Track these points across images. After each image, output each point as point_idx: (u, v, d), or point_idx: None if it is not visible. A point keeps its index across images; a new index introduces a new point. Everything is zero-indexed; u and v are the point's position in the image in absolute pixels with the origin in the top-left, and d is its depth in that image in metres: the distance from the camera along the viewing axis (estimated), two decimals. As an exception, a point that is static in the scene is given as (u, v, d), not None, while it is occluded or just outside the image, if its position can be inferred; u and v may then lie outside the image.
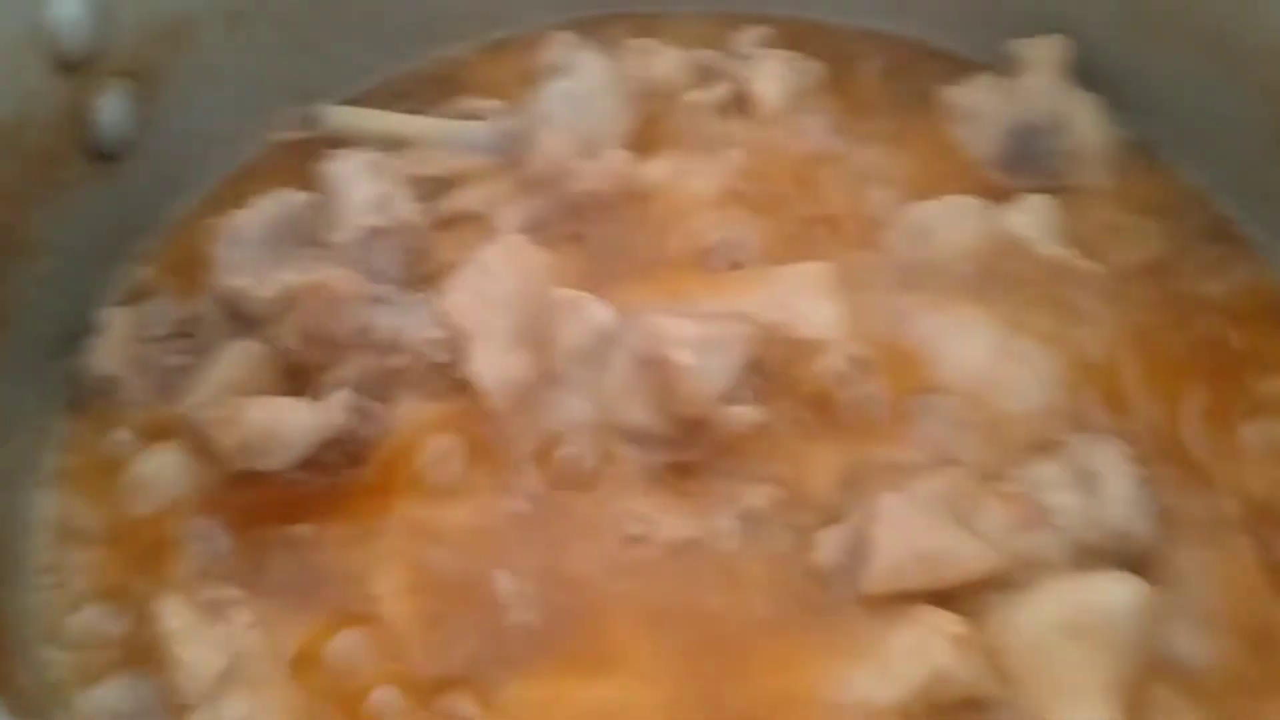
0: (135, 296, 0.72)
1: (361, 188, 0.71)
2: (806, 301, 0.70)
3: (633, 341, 0.66)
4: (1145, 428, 0.67)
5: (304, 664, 0.59)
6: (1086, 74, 0.81)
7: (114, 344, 0.68)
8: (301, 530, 0.63)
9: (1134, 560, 0.60)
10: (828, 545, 0.62)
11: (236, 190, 0.79)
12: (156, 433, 0.67)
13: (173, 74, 0.74)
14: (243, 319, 0.68)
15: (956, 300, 0.72)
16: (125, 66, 0.71)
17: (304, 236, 0.70)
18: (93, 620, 0.61)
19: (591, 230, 0.76)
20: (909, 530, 0.60)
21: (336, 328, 0.66)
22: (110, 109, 0.70)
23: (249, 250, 0.67)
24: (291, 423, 0.63)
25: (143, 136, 0.73)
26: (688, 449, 0.66)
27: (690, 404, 0.64)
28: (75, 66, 0.67)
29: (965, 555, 0.60)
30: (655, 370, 0.65)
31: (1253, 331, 0.72)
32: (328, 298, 0.66)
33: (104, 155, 0.70)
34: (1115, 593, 0.59)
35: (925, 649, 0.57)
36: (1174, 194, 0.79)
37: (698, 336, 0.65)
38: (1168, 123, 0.79)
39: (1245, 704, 0.57)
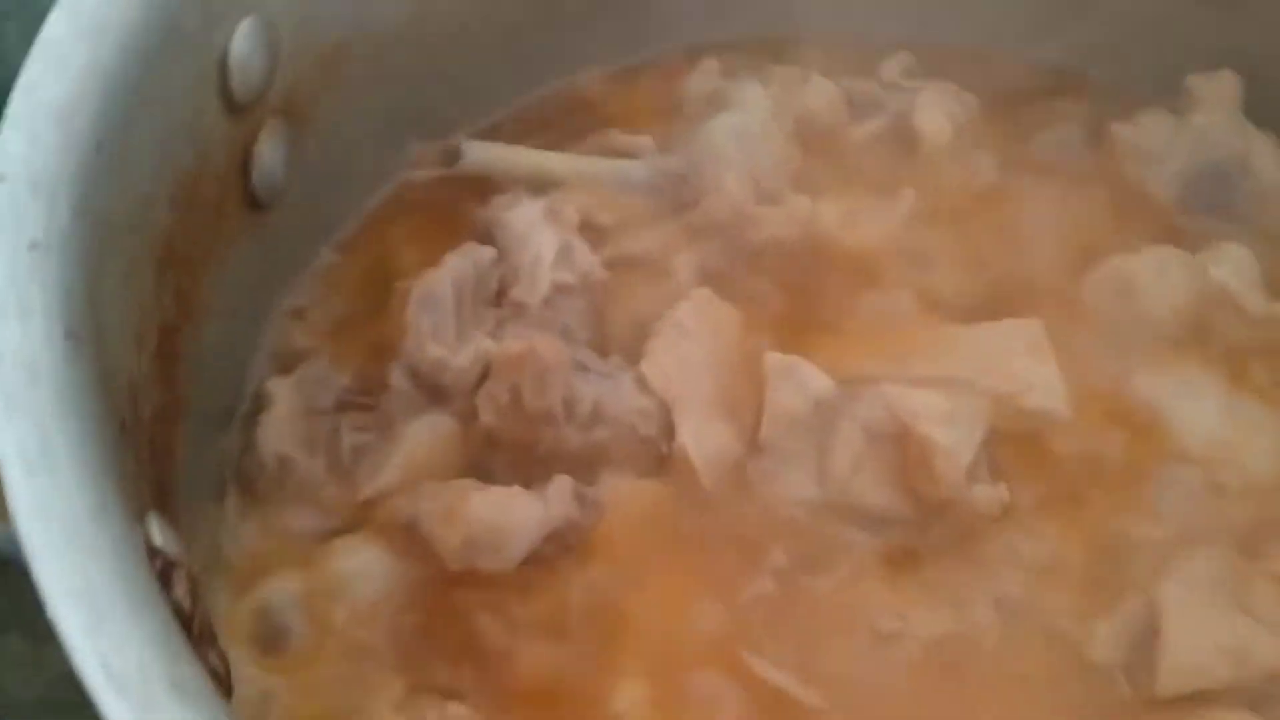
0: (290, 362, 0.64)
1: (546, 237, 0.64)
2: (1025, 364, 0.66)
3: (865, 414, 0.61)
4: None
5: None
6: (1259, 111, 0.78)
7: (283, 418, 0.60)
8: (523, 633, 0.57)
9: None
10: (1106, 641, 0.57)
11: (377, 235, 0.72)
12: (342, 524, 0.59)
13: (319, 109, 0.66)
14: (433, 391, 0.61)
15: (1173, 360, 0.68)
16: (282, 104, 0.63)
17: (488, 296, 0.63)
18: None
19: (773, 283, 0.70)
20: (1199, 622, 0.56)
21: (544, 401, 0.60)
22: (268, 151, 0.62)
23: (442, 315, 0.60)
24: (519, 516, 0.56)
25: (290, 181, 0.65)
26: (925, 532, 0.61)
27: (942, 484, 0.59)
28: (244, 107, 0.58)
29: (1263, 648, 0.56)
30: (893, 446, 0.60)
31: None
32: (535, 368, 0.59)
33: (258, 204, 0.62)
34: None
35: (1240, 760, 0.53)
36: (1360, 240, 0.76)
37: (945, 411, 0.60)
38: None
39: None
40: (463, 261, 0.61)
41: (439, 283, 0.60)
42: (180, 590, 0.42)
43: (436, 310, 0.60)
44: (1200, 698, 0.55)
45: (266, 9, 0.59)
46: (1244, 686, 0.55)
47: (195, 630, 0.42)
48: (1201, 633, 0.56)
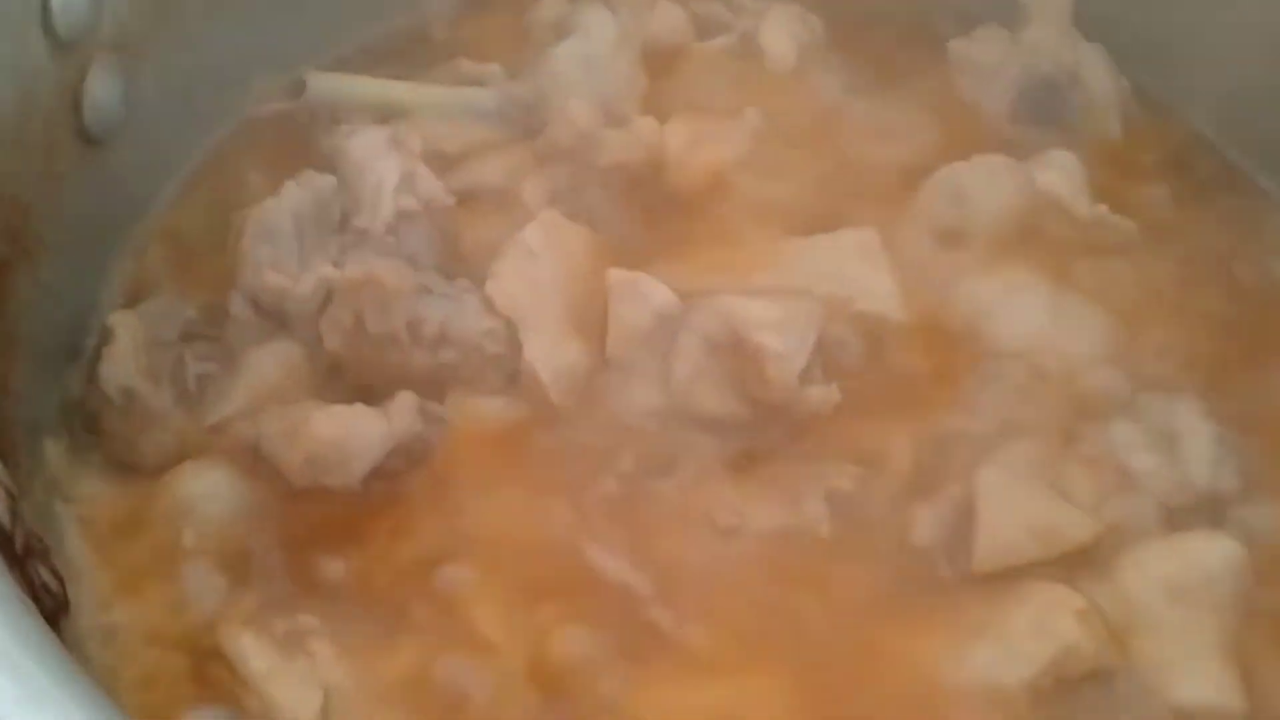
0: (136, 296, 0.65)
1: (388, 165, 0.65)
2: (859, 270, 0.69)
3: (703, 324, 0.63)
4: (1205, 381, 0.67)
5: (403, 693, 0.55)
6: (1090, 23, 0.81)
7: (126, 352, 0.61)
8: (372, 546, 0.59)
9: (1223, 516, 0.61)
10: (926, 524, 0.61)
11: (224, 169, 0.72)
12: (189, 451, 0.60)
13: (154, 45, 0.66)
14: (277, 318, 0.62)
15: (1001, 264, 0.71)
16: (113, 40, 0.63)
17: (331, 224, 0.64)
18: (155, 662, 0.55)
19: (620, 204, 0.72)
20: (1012, 504, 0.60)
21: (386, 324, 0.61)
22: (99, 88, 0.62)
23: (281, 243, 0.61)
24: (361, 433, 0.58)
25: (128, 117, 0.65)
26: (763, 433, 0.63)
27: (775, 388, 0.62)
28: (70, 44, 0.59)
29: (1070, 525, 0.60)
30: (731, 354, 0.62)
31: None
32: (376, 292, 0.61)
33: (93, 139, 0.63)
34: (1212, 552, 0.60)
35: (1050, 625, 0.56)
36: (1183, 144, 0.80)
37: (777, 318, 0.62)
38: (1173, 72, 0.80)
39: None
40: (301, 190, 0.62)
41: (276, 212, 0.61)
42: (-1, 508, 0.43)
43: (274, 239, 0.61)
44: (1014, 573, 0.58)
45: (88, -59, 0.59)
46: (1055, 560, 0.59)
47: (18, 547, 0.43)
48: (1014, 514, 0.59)
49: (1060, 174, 0.74)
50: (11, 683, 0.36)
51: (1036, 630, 0.56)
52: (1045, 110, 0.79)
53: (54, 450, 0.59)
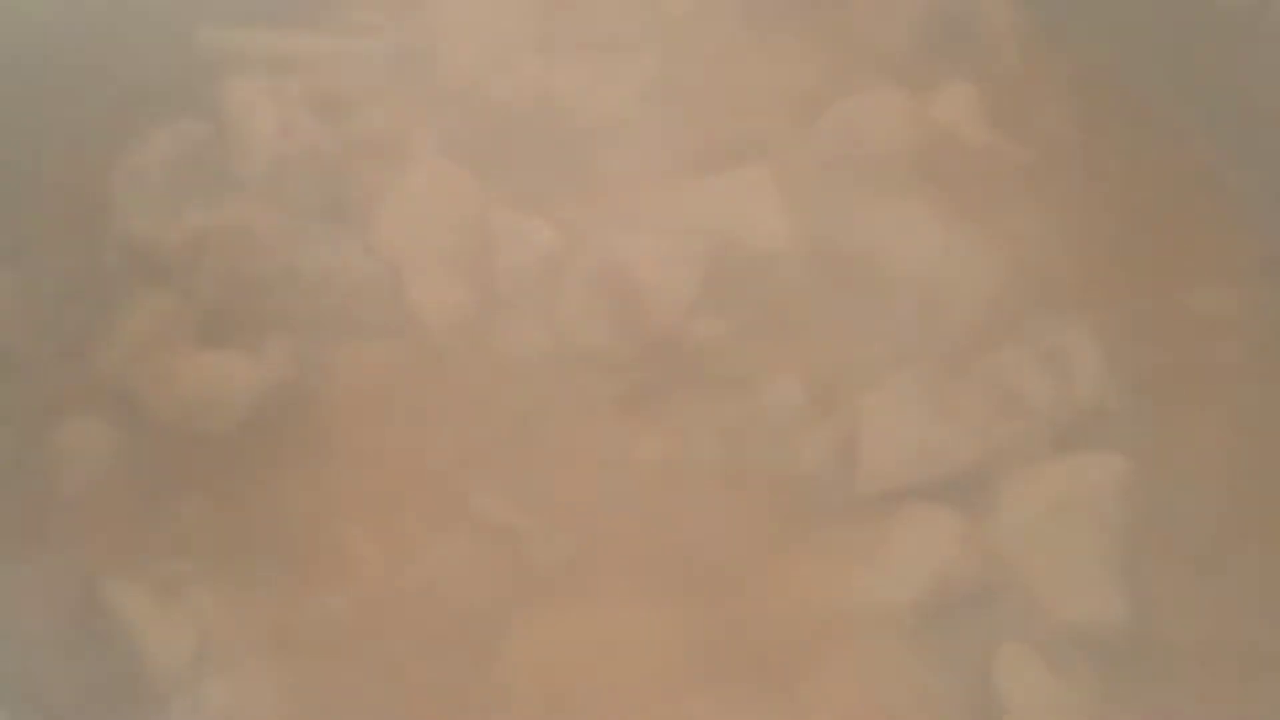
0: (15, 251, 0.64)
1: (265, 115, 0.65)
2: (750, 209, 0.68)
3: (586, 264, 0.63)
4: (1096, 302, 0.67)
5: (280, 637, 0.55)
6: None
7: (3, 308, 0.61)
8: (250, 491, 0.58)
9: (1112, 433, 0.61)
10: (812, 450, 0.60)
11: (113, 125, 0.71)
12: (66, 401, 0.60)
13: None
14: (151, 268, 0.61)
15: (895, 196, 0.71)
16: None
17: (208, 172, 0.64)
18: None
19: (511, 147, 0.71)
20: (895, 428, 0.60)
21: (261, 271, 0.61)
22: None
23: (151, 191, 0.61)
24: (234, 377, 0.57)
25: (6, 69, 0.64)
26: (652, 369, 0.63)
27: (657, 324, 0.61)
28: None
29: (953, 447, 0.60)
30: (614, 292, 0.62)
31: (1176, 204, 0.74)
32: (249, 239, 0.60)
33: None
34: (1097, 469, 0.60)
35: (931, 545, 0.56)
36: (1083, 74, 0.79)
37: (658, 255, 0.62)
38: (1075, 2, 0.80)
39: (1235, 561, 0.59)
40: (170, 137, 0.62)
41: (144, 159, 0.60)
42: None
43: (145, 188, 0.60)
44: (899, 494, 0.58)
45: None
46: (942, 483, 0.59)
47: None
48: (898, 437, 0.59)
49: (956, 105, 0.74)
50: None
51: (917, 550, 0.56)
52: (946, 42, 0.78)
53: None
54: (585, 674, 0.54)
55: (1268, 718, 0.55)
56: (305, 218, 0.64)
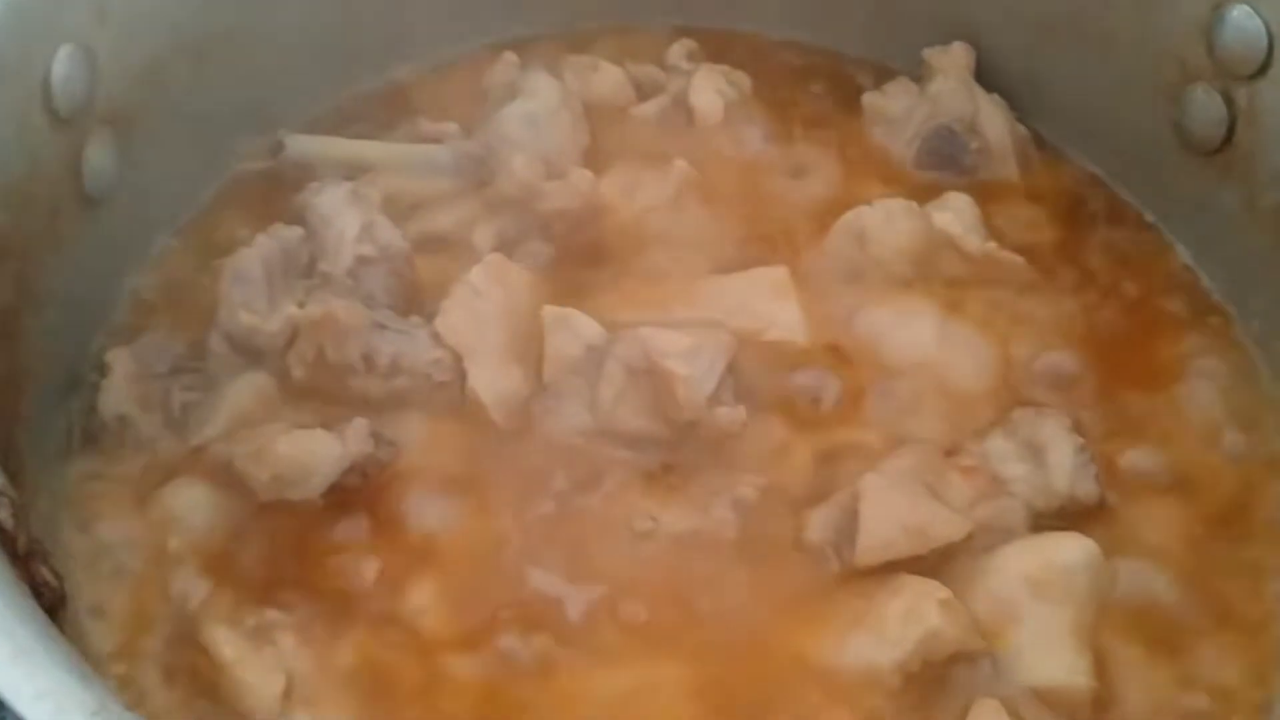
0: (131, 336, 0.74)
1: (349, 217, 0.74)
2: (769, 304, 0.77)
3: (624, 354, 0.72)
4: (1076, 398, 0.76)
5: (353, 679, 0.64)
6: (990, 76, 0.89)
7: (121, 383, 0.70)
8: (330, 552, 0.67)
9: (1084, 518, 0.69)
10: (817, 525, 0.69)
11: (210, 222, 0.82)
12: (175, 469, 0.69)
13: (145, 115, 0.76)
14: (250, 353, 0.71)
15: (898, 294, 0.79)
16: (107, 114, 0.72)
17: (299, 269, 0.73)
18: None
19: (559, 247, 0.81)
20: (891, 506, 0.68)
21: (342, 356, 0.70)
22: (96, 156, 0.72)
23: (252, 287, 0.70)
24: (319, 453, 0.66)
25: (123, 179, 0.75)
26: (679, 449, 0.72)
27: (684, 408, 0.70)
28: (69, 120, 0.68)
29: (941, 524, 0.68)
30: (648, 379, 0.71)
31: (1156, 304, 0.82)
32: (333, 328, 0.70)
33: (92, 201, 0.72)
34: (1069, 551, 0.67)
35: (917, 613, 0.64)
36: (1074, 183, 0.88)
37: (687, 346, 0.71)
38: (1065, 118, 0.89)
39: (1189, 640, 0.67)
40: (270, 240, 0.72)
41: (247, 259, 0.70)
42: (3, 514, 0.52)
43: (247, 283, 0.70)
44: (892, 568, 0.67)
45: (82, 35, 0.68)
46: (930, 557, 0.67)
47: (19, 548, 0.52)
48: (892, 514, 0.67)
49: (955, 214, 0.82)
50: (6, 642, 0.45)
51: (905, 617, 0.64)
52: (946, 156, 0.87)
53: (58, 469, 0.68)
54: None
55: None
56: (381, 309, 0.73)
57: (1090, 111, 0.88)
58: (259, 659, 0.63)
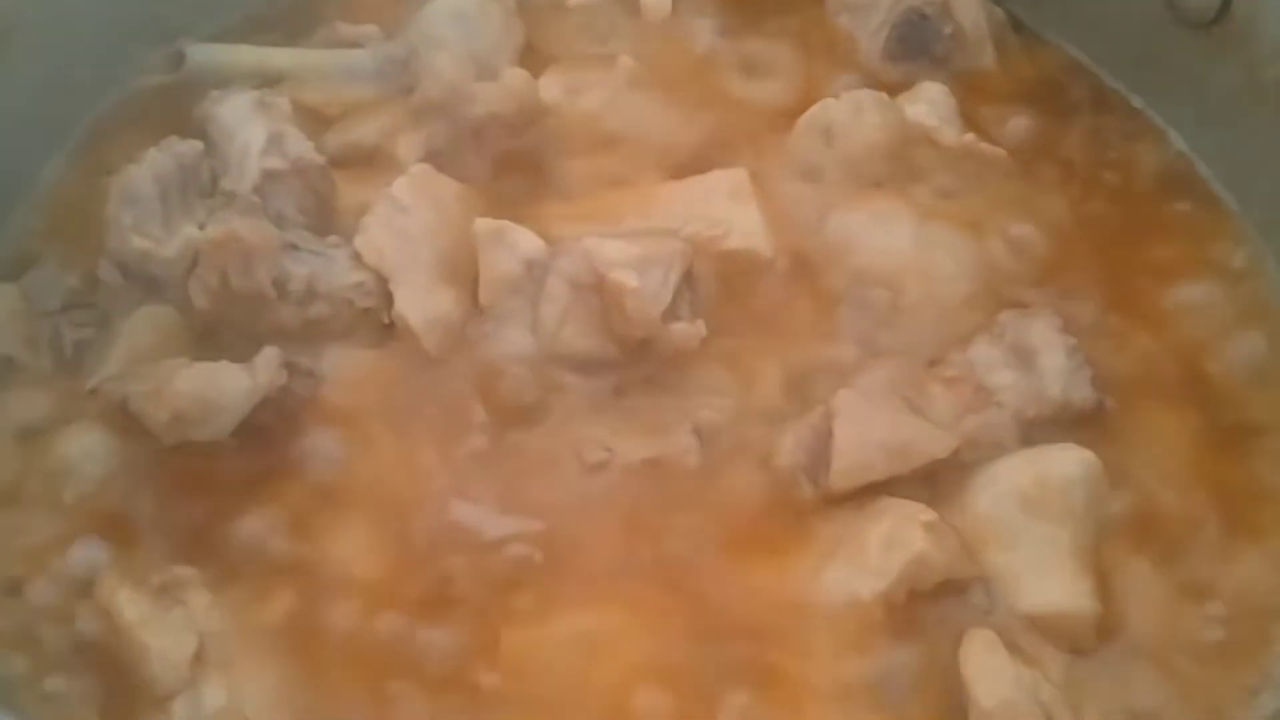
0: (19, 269, 0.67)
1: (253, 129, 0.67)
2: (728, 210, 0.70)
3: (568, 268, 0.65)
4: (1065, 299, 0.69)
5: (276, 637, 0.57)
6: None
7: (5, 322, 0.63)
8: (246, 498, 0.60)
9: (1080, 426, 0.63)
10: (787, 448, 0.62)
11: (106, 143, 0.74)
12: (69, 413, 0.62)
13: (25, 25, 0.68)
14: (146, 282, 0.64)
15: (868, 195, 0.72)
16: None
17: (199, 188, 0.66)
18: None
19: (494, 156, 0.73)
20: (867, 424, 0.61)
21: (250, 282, 0.63)
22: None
23: (145, 208, 0.63)
24: (224, 388, 0.59)
25: (2, 97, 0.66)
26: (633, 370, 0.65)
27: (636, 325, 0.63)
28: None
29: (923, 441, 0.61)
30: (595, 295, 0.64)
31: (1150, 195, 0.75)
32: (238, 251, 0.62)
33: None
34: (1065, 463, 0.61)
35: (901, 539, 0.58)
36: (1056, 70, 0.81)
37: (637, 256, 0.64)
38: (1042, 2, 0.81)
39: (1202, 555, 0.61)
40: (164, 155, 0.64)
41: (137, 177, 0.62)
42: None
43: (137, 203, 0.62)
44: (871, 491, 0.60)
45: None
46: (912, 477, 0.60)
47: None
48: (869, 432, 0.61)
49: (930, 105, 0.75)
50: None
51: (887, 544, 0.58)
52: (917, 44, 0.80)
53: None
54: (566, 670, 0.56)
55: (1221, 704, 0.57)
56: (293, 228, 0.65)
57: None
58: (166, 620, 0.56)
